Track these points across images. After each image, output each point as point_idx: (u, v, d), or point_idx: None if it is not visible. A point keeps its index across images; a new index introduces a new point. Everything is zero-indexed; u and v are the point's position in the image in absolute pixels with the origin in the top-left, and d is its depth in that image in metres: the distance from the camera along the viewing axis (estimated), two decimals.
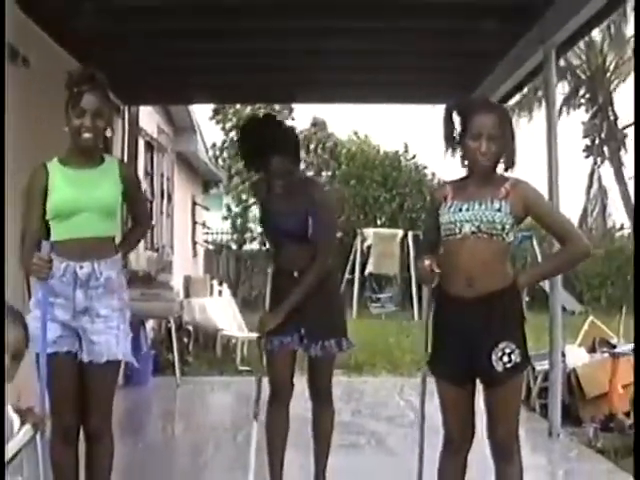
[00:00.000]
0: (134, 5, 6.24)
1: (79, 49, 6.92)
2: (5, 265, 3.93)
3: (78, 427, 4.00)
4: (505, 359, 3.61)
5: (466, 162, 3.76)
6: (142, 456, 6.13)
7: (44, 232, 3.93)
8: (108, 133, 4.06)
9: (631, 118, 25.03)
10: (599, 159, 28.36)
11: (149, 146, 11.94)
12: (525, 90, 16.62)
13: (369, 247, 19.65)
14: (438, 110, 3.96)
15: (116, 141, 8.69)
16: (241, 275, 21.15)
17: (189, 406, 8.72)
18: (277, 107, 24.60)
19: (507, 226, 3.65)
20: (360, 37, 7.08)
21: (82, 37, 6.69)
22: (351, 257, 19.60)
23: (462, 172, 3.83)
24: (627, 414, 7.12)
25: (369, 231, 20.14)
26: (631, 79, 25.59)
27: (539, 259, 13.92)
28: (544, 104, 8.71)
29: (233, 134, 23.40)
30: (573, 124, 28.20)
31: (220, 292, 13.40)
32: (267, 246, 5.17)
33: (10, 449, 3.21)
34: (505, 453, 3.75)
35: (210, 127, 24.38)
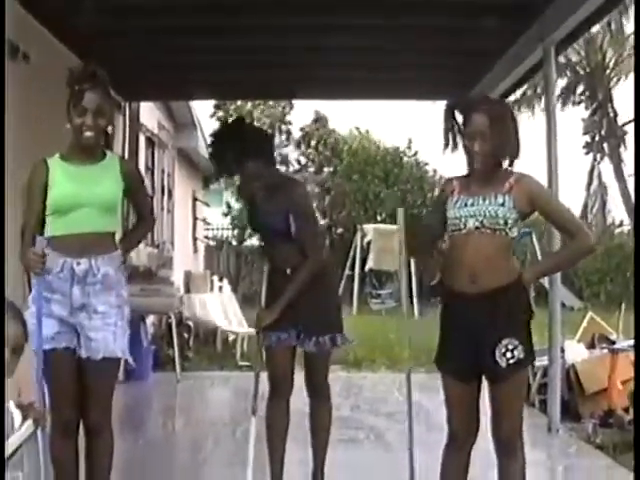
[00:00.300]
0: (135, 1, 6.26)
1: (80, 45, 6.94)
2: (5, 264, 3.94)
3: (78, 422, 4.01)
4: (508, 355, 3.62)
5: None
6: (142, 451, 6.14)
7: (42, 227, 3.95)
8: (109, 130, 4.08)
9: (630, 115, 25.07)
10: (599, 156, 28.38)
11: (150, 142, 11.95)
12: (525, 86, 16.63)
13: (369, 243, 19.66)
14: (439, 107, 3.97)
15: (117, 137, 8.69)
16: (241, 271, 21.16)
17: (189, 401, 8.74)
18: (271, 103, 24.67)
19: (510, 221, 3.65)
20: (360, 34, 7.10)
21: (83, 33, 6.70)
22: (351, 253, 19.62)
23: (463, 168, 3.86)
24: (626, 410, 7.14)
25: (369, 227, 20.15)
26: (631, 76, 25.61)
27: (538, 255, 13.93)
28: (543, 100, 8.72)
29: None
30: (573, 120, 28.19)
31: (220, 288, 13.43)
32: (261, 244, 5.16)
33: (11, 444, 3.23)
34: (508, 449, 3.75)
35: (211, 123, 24.40)
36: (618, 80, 27.09)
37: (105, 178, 3.97)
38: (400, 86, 9.26)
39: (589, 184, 28.63)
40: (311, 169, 25.33)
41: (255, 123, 20.02)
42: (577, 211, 27.24)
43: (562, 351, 7.31)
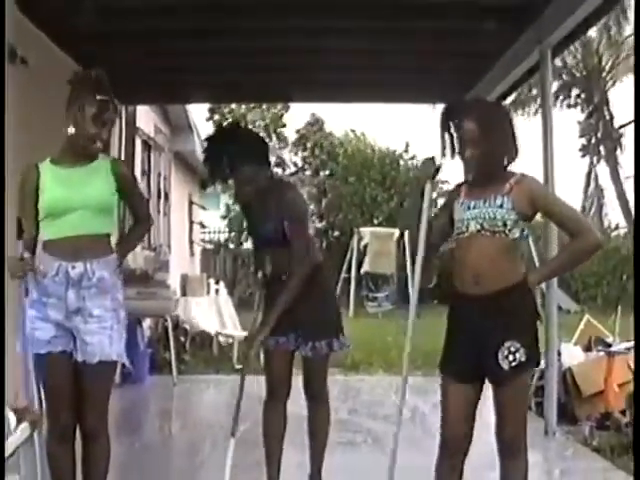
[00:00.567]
0: (131, 5, 6.25)
1: (76, 49, 6.94)
2: (5, 265, 3.93)
3: (74, 426, 4.00)
4: (510, 358, 3.61)
5: None
6: (138, 455, 6.13)
7: (35, 233, 3.95)
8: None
9: (627, 117, 25.13)
10: (595, 158, 28.42)
11: (146, 145, 11.94)
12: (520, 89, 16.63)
13: (366, 246, 19.67)
14: (438, 110, 3.97)
15: (113, 140, 8.70)
16: (238, 274, 21.16)
17: (186, 404, 8.73)
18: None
19: (509, 222, 3.64)
20: (358, 37, 7.10)
21: (79, 37, 6.70)
22: (348, 256, 19.63)
23: (460, 173, 3.87)
24: (623, 412, 7.13)
25: (366, 230, 20.16)
26: (627, 79, 25.67)
27: (535, 259, 13.93)
28: (539, 102, 8.74)
29: None
30: (570, 123, 28.23)
31: (217, 291, 13.41)
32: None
33: (7, 447, 3.23)
34: (511, 451, 3.75)
35: (207, 126, 24.41)
36: (614, 83, 27.15)
37: (96, 179, 3.95)
38: (397, 89, 9.26)
39: (587, 187, 28.66)
40: (307, 172, 25.33)
41: (250, 126, 20.03)
42: None
43: (559, 354, 7.31)
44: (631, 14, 20.54)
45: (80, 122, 3.87)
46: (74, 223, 3.89)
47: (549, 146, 6.70)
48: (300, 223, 4.67)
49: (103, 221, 3.98)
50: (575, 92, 27.75)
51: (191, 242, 16.05)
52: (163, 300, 9.52)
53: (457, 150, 3.77)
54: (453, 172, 4.15)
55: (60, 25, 6.52)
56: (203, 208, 17.93)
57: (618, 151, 27.57)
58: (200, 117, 25.33)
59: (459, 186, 3.90)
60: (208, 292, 12.87)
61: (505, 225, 3.65)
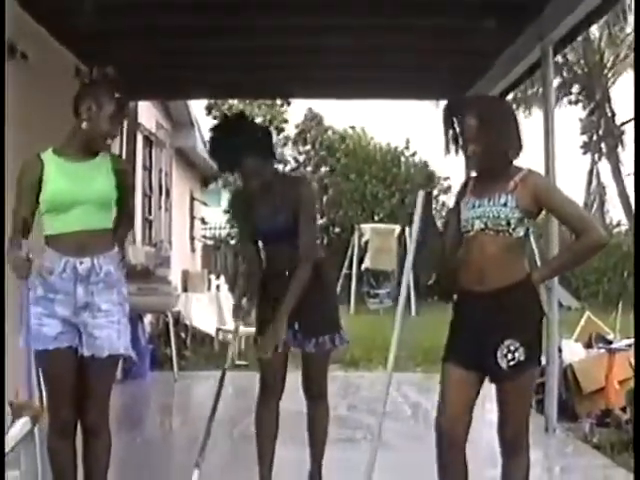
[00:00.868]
0: (133, 1, 6.25)
1: (77, 44, 6.93)
2: (5, 265, 3.92)
3: (75, 421, 4.00)
4: (509, 357, 3.61)
5: None
6: (139, 450, 6.14)
7: (31, 226, 3.93)
8: None
9: (628, 114, 25.10)
10: (597, 156, 28.39)
11: (148, 141, 11.95)
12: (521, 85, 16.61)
13: (366, 242, 19.68)
14: (441, 107, 3.97)
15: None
16: (238, 270, 21.13)
17: (186, 400, 8.74)
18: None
19: (513, 221, 3.63)
20: (359, 34, 7.09)
21: (80, 32, 6.68)
22: (349, 252, 19.64)
23: (461, 170, 3.87)
24: (623, 409, 7.13)
25: (367, 227, 20.17)
26: (628, 75, 25.65)
27: (536, 257, 13.92)
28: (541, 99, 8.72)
29: None
30: (571, 120, 28.20)
31: (218, 287, 13.43)
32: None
33: (7, 442, 3.23)
34: (513, 449, 3.75)
35: (209, 122, 24.38)
36: (615, 80, 27.12)
37: (99, 174, 3.95)
38: (398, 86, 9.26)
39: (588, 184, 28.63)
40: (308, 168, 25.31)
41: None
42: None
43: (559, 351, 7.30)
44: (631, 14, 20.55)
45: (95, 118, 3.88)
46: (80, 218, 3.89)
47: (551, 143, 6.70)
48: (313, 217, 4.69)
49: (105, 216, 3.99)
50: (576, 89, 27.71)
51: (192, 238, 16.05)
52: (164, 296, 9.52)
53: (460, 146, 3.78)
54: (453, 169, 4.15)
55: (61, 20, 6.50)
56: (204, 204, 17.93)
57: (620, 148, 27.55)
58: (202, 113, 25.33)
59: (465, 184, 3.90)
60: (209, 288, 12.88)
61: (509, 224, 3.64)
